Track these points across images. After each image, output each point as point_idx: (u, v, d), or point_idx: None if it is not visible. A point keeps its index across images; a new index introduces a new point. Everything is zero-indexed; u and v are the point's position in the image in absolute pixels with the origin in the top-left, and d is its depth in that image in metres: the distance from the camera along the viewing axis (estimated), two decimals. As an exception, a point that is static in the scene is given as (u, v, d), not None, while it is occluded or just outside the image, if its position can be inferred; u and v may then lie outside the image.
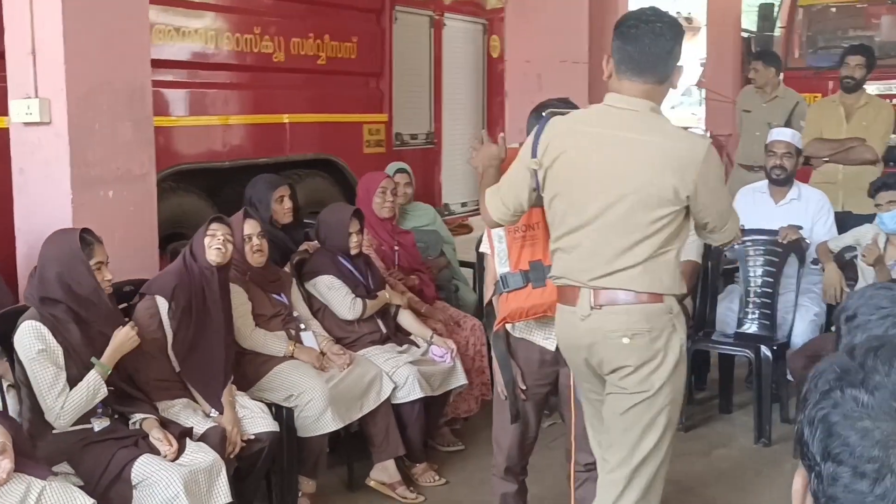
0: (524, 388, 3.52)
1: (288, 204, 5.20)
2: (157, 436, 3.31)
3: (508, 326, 3.51)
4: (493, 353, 3.56)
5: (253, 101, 6.96)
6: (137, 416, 3.43)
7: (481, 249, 3.59)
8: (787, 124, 7.84)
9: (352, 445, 4.63)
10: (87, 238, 3.47)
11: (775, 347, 5.16)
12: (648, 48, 2.94)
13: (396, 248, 5.36)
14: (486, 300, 3.61)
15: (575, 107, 3.46)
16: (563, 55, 8.09)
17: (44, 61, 4.18)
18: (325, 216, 4.90)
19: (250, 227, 4.35)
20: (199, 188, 6.46)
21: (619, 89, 3.00)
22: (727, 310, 5.49)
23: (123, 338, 3.50)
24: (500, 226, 3.24)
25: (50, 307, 3.35)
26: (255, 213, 5.06)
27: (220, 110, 6.61)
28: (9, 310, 3.44)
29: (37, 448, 3.31)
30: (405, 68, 8.58)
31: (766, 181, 5.63)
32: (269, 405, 4.16)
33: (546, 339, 3.49)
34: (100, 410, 3.37)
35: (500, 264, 3.40)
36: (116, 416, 3.40)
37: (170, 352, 3.83)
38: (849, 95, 6.64)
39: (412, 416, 4.56)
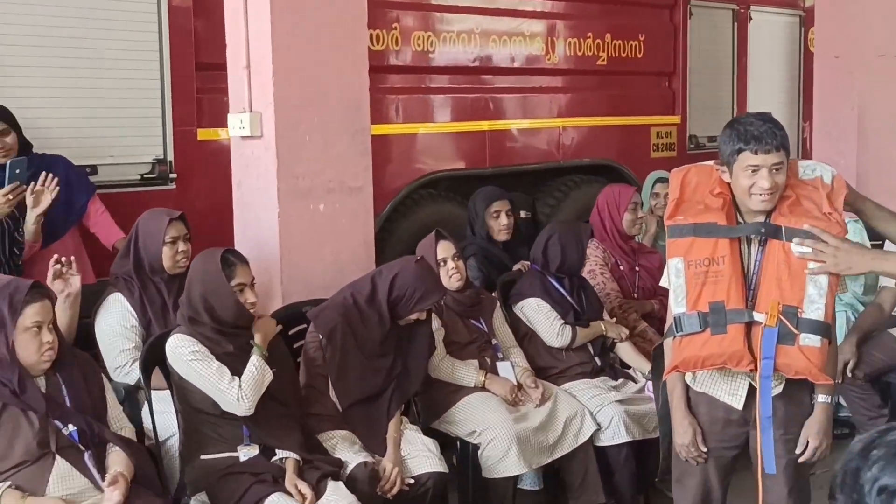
0: (705, 449, 3.01)
1: (505, 220, 4.88)
2: (290, 487, 3.12)
3: (688, 378, 3.01)
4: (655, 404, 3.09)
5: (521, 105, 6.73)
6: (281, 454, 3.29)
7: (661, 283, 3.10)
8: None
9: (556, 485, 4.26)
10: (228, 259, 3.39)
11: None
12: None
13: (637, 269, 4.90)
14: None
15: (776, 122, 2.89)
16: (882, 48, 7.11)
17: (257, 76, 4.18)
18: (556, 235, 4.49)
19: (444, 250, 4.10)
20: (461, 195, 6.32)
21: None
22: None
23: (267, 324, 3.45)
24: None
25: (198, 328, 3.31)
26: (470, 229, 4.85)
27: (482, 115, 6.44)
28: (162, 334, 3.44)
29: (184, 473, 3.28)
30: (703, 66, 8.01)
31: None
32: (455, 439, 3.91)
33: (732, 396, 2.96)
34: (247, 438, 3.28)
35: (675, 303, 2.91)
36: (264, 447, 3.29)
37: (331, 391, 3.65)
38: None
39: (619, 461, 4.09)
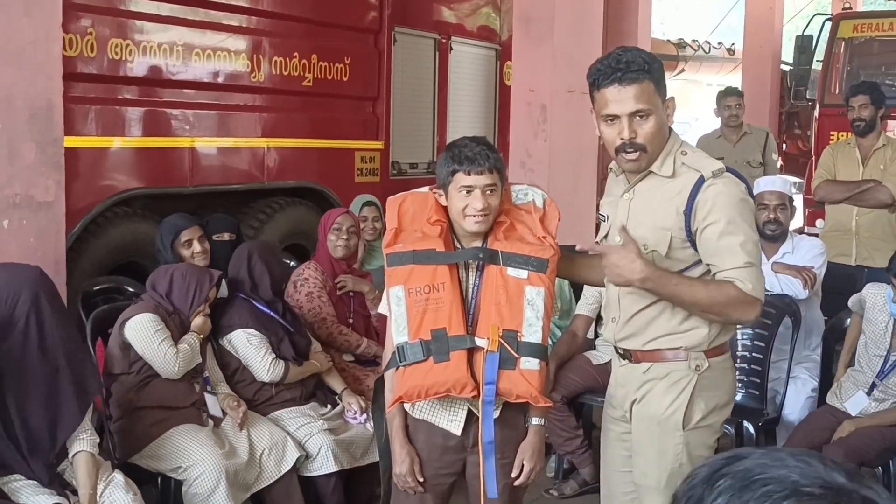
0: (421, 479, 2.96)
1: (199, 247, 4.51)
2: None
3: (407, 405, 2.95)
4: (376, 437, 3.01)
5: (226, 123, 6.50)
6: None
7: (380, 310, 3.03)
8: (763, 159, 7.57)
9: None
10: None
11: (761, 423, 4.54)
12: None
13: (352, 293, 4.81)
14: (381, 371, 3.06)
15: (490, 146, 2.91)
16: (570, 85, 7.50)
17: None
18: (256, 254, 4.34)
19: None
20: (159, 214, 5.99)
21: None
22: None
23: None
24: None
25: None
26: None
27: (184, 132, 6.15)
28: None
29: None
30: (407, 93, 8.09)
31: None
32: (156, 475, 3.64)
33: (451, 422, 2.94)
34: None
35: (397, 332, 2.85)
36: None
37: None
38: (865, 138, 6.01)
39: (328, 491, 3.98)
